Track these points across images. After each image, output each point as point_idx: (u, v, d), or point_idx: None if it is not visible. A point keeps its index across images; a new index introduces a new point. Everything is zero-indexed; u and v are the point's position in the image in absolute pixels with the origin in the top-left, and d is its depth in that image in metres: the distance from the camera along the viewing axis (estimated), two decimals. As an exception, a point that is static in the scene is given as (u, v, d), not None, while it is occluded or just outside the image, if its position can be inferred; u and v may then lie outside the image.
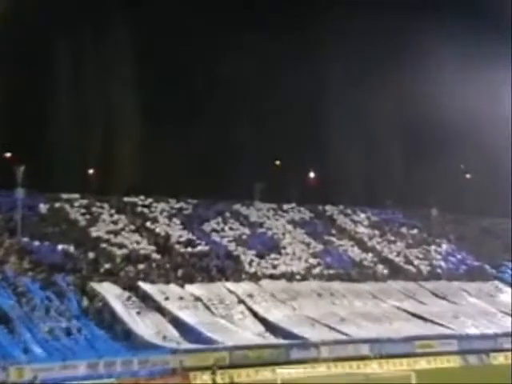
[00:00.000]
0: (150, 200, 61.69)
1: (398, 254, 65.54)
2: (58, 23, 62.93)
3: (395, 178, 71.57)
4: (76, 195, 58.80)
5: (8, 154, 56.58)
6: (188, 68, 69.78)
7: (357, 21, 68.34)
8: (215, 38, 67.04)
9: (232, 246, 58.67)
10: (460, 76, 63.12)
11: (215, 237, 59.44)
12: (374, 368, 43.83)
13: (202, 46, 67.11)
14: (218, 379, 40.58)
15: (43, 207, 56.17)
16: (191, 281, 52.06)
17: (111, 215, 57.95)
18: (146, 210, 60.44)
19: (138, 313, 46.58)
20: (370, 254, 63.92)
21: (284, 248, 60.75)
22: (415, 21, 65.28)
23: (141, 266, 52.13)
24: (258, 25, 68.07)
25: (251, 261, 57.37)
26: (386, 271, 61.82)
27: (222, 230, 60.83)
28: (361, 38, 70.01)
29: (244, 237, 60.67)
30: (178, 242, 56.94)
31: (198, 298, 49.89)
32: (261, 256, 58.34)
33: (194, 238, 58.07)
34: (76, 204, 57.80)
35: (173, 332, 45.55)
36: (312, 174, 72.03)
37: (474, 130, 66.46)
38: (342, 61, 70.56)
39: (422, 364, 46.73)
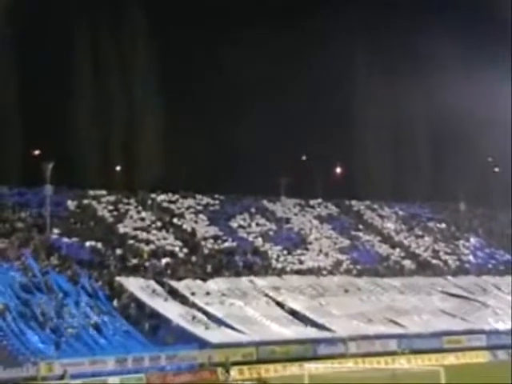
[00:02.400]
0: (176, 196, 61.94)
1: (426, 249, 65.07)
2: (82, 23, 63.58)
3: (423, 172, 70.98)
4: (103, 192, 59.25)
5: (36, 152, 57.05)
6: (214, 64, 69.87)
7: (382, 15, 68.09)
8: (240, 33, 67.00)
9: (258, 242, 58.71)
10: (488, 69, 62.40)
11: (242, 233, 59.52)
12: (401, 363, 43.56)
13: (230, 40, 67.07)
14: (246, 374, 40.71)
15: (71, 204, 56.65)
16: (218, 276, 52.21)
17: (138, 212, 58.30)
18: (172, 206, 60.70)
19: (165, 299, 47.04)
20: (398, 249, 63.54)
21: (311, 243, 60.65)
22: (439, 19, 65.15)
23: (168, 262, 52.46)
24: (283, 16, 68.03)
25: (278, 256, 57.37)
26: (413, 266, 61.44)
27: (249, 225, 60.89)
28: (387, 32, 69.63)
29: (270, 232, 60.67)
30: (205, 238, 57.11)
31: (224, 293, 50.03)
32: (287, 252, 58.33)
33: (221, 233, 58.21)
34: (103, 200, 58.23)
35: (200, 315, 45.92)
36: (338, 169, 71.72)
37: (502, 123, 65.67)
38: (368, 54, 70.16)
39: (451, 359, 46.45)
